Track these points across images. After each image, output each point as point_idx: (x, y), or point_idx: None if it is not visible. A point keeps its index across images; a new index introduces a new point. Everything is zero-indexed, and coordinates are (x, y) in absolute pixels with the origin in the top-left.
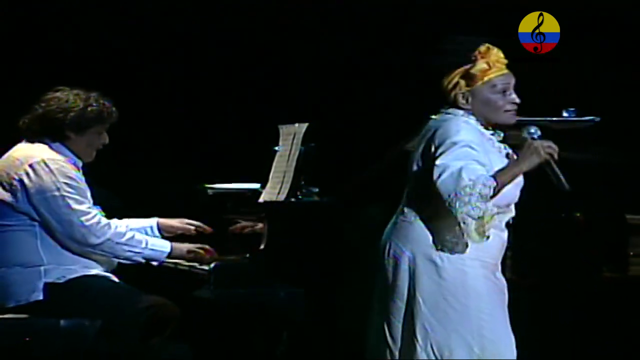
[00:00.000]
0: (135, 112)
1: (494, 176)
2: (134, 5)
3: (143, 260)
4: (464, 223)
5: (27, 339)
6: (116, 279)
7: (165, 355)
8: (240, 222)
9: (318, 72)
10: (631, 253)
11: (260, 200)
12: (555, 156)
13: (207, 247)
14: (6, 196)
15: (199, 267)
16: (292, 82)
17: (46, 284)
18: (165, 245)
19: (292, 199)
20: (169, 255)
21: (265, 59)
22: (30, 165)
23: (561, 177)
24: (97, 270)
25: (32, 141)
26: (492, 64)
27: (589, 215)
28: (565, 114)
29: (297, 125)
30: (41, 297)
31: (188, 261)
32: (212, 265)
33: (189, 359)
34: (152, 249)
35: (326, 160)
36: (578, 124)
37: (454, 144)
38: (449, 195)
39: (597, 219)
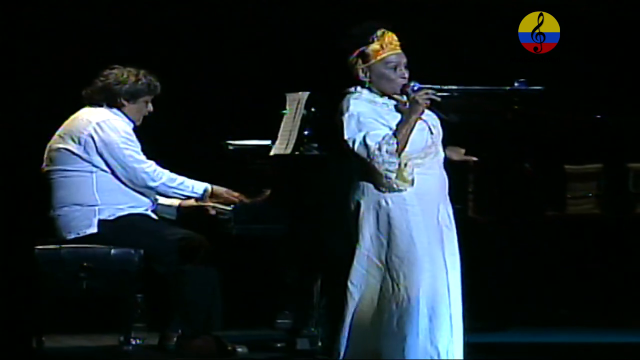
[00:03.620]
0: (175, 87)
1: (395, 133)
2: None
3: (186, 197)
4: (387, 178)
5: (85, 264)
6: (155, 217)
7: (196, 276)
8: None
9: (321, 49)
10: (568, 196)
11: (271, 153)
12: (436, 98)
13: (236, 194)
14: (74, 147)
15: (221, 207)
16: (298, 57)
17: (99, 220)
18: (207, 187)
19: (296, 153)
20: (208, 195)
21: (277, 39)
22: (98, 124)
23: (443, 113)
24: (140, 209)
25: (93, 106)
26: (385, 45)
27: (535, 165)
28: (516, 84)
29: (300, 93)
30: (96, 231)
31: (222, 203)
32: (232, 206)
33: (215, 280)
34: (195, 192)
35: (323, 122)
36: (527, 92)
37: (348, 117)
38: (367, 161)
39: (542, 168)
